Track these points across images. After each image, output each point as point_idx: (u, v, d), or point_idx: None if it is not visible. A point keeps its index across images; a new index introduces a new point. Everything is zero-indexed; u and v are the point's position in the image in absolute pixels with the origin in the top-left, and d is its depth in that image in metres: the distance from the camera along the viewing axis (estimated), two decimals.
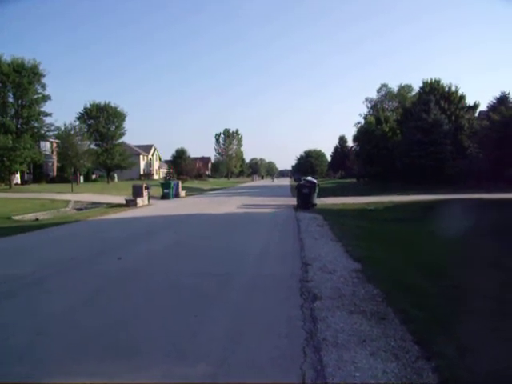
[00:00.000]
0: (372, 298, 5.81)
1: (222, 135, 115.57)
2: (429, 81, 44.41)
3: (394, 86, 70.63)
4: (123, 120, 60.73)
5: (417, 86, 51.71)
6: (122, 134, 61.00)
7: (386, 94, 71.25)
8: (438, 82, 43.89)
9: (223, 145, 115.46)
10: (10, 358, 4.10)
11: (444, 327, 4.73)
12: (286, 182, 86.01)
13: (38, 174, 50.19)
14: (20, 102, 37.96)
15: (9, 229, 14.45)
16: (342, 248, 9.79)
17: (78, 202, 27.08)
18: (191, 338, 4.50)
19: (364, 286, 6.43)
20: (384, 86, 71.27)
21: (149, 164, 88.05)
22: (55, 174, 54.86)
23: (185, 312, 5.39)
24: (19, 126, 38.24)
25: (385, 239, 11.63)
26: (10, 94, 37.63)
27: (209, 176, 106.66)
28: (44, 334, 4.71)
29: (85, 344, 4.41)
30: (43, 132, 41.04)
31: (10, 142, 35.55)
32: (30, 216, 19.72)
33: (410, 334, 4.51)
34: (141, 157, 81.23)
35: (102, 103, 59.05)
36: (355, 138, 62.74)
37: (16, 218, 18.83)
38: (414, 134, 37.51)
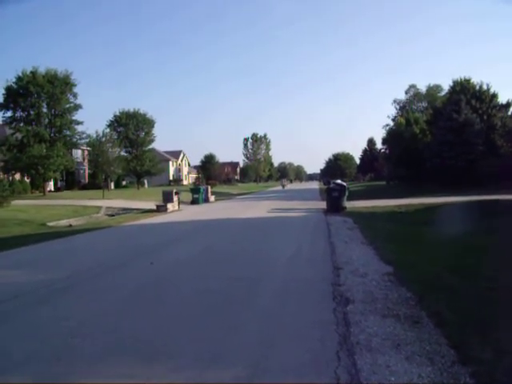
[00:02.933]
0: (405, 302, 5.74)
1: (250, 140, 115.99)
2: (459, 80, 43.53)
3: (422, 87, 69.74)
4: (152, 127, 61.59)
5: (447, 85, 50.82)
6: (152, 141, 61.85)
7: (414, 95, 70.34)
8: (468, 80, 42.87)
9: (251, 149, 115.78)
10: (49, 358, 4.20)
11: (480, 331, 4.63)
12: (315, 185, 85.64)
13: (70, 181, 51.34)
14: (53, 111, 38.76)
15: (43, 235, 14.80)
16: (373, 251, 9.72)
17: (109, 208, 27.53)
18: (224, 342, 4.53)
19: (397, 290, 6.36)
20: (412, 86, 70.39)
21: (178, 170, 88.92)
22: (87, 180, 56.02)
23: (217, 315, 5.43)
24: (52, 134, 39.02)
25: (416, 242, 11.46)
26: (44, 104, 38.52)
27: (237, 180, 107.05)
28: (79, 337, 4.81)
29: (119, 347, 4.49)
30: (75, 140, 41.80)
31: (44, 150, 36.45)
32: (64, 222, 20.16)
33: (445, 338, 4.43)
34: (170, 163, 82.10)
35: (131, 110, 60.03)
36: (384, 141, 62.01)
37: (50, 224, 19.26)
38: (445, 135, 36.85)
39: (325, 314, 5.26)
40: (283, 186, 76.83)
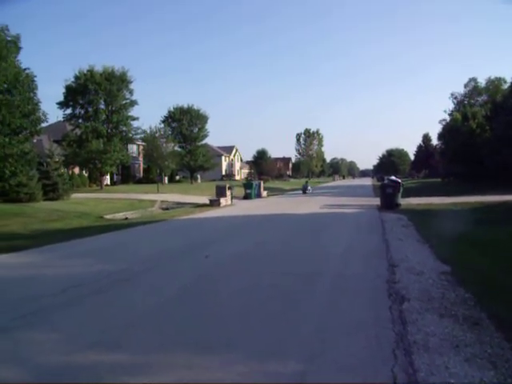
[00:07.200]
0: (463, 302, 5.56)
1: (302, 135, 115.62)
2: None
3: (482, 80, 67.12)
4: (206, 122, 62.44)
5: (510, 78, 48.45)
6: (205, 136, 62.81)
7: (473, 89, 67.81)
8: None
9: (304, 145, 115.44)
10: (110, 346, 4.35)
11: None
12: (368, 181, 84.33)
13: (125, 175, 52.76)
14: (110, 107, 40.00)
15: (102, 227, 15.30)
16: (428, 249, 9.48)
17: (163, 201, 28.16)
18: (279, 336, 4.54)
19: (454, 289, 6.17)
20: (472, 80, 67.82)
21: (230, 165, 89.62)
22: (141, 175, 57.38)
23: (270, 310, 5.45)
24: (109, 130, 40.29)
25: (474, 241, 11.07)
26: (102, 101, 39.79)
27: (289, 176, 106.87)
28: (137, 327, 4.97)
29: (176, 337, 4.58)
30: (131, 135, 43.04)
31: (102, 145, 37.76)
32: (120, 215, 20.75)
33: (508, 341, 4.25)
34: (223, 158, 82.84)
35: (186, 106, 61.06)
36: (440, 136, 60.28)
37: (107, 217, 19.89)
38: (505, 130, 35.23)
39: (380, 312, 5.19)
40: (304, 191, 40.40)
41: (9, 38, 20.33)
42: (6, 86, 20.14)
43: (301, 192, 39.92)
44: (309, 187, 41.91)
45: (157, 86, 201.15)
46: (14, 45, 20.64)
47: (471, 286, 6.22)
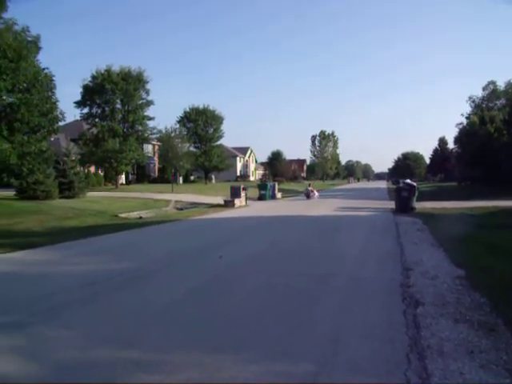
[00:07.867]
0: (479, 307, 5.50)
1: (317, 137, 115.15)
2: None
3: (502, 84, 66.24)
4: (221, 123, 62.72)
5: None
6: (220, 137, 63.15)
7: (492, 92, 66.93)
8: None
9: (319, 147, 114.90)
10: (123, 344, 4.38)
11: None
12: (383, 184, 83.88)
13: (140, 175, 53.14)
14: (126, 107, 40.22)
15: (116, 226, 15.42)
16: (443, 253, 9.40)
17: (178, 201, 28.27)
18: (291, 337, 4.54)
19: (469, 294, 6.11)
20: (491, 83, 66.98)
21: (245, 166, 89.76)
22: (156, 174, 57.72)
23: (283, 311, 5.45)
24: (125, 129, 40.53)
25: (489, 246, 10.95)
26: (118, 101, 40.07)
27: (304, 178, 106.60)
28: (151, 325, 5.01)
29: (190, 336, 4.61)
30: (146, 135, 43.22)
31: (118, 144, 38.03)
32: (135, 214, 20.88)
33: None
34: (237, 158, 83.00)
35: (201, 107, 61.34)
36: (456, 140, 59.67)
37: (122, 215, 20.03)
38: None
39: (394, 315, 5.16)
40: (308, 195, 34.24)
41: (29, 39, 20.60)
42: (25, 85, 20.38)
43: (312, 195, 34.29)
44: (314, 192, 34.44)
45: (167, 87, 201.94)
46: (34, 45, 20.90)
47: (487, 291, 6.15)
